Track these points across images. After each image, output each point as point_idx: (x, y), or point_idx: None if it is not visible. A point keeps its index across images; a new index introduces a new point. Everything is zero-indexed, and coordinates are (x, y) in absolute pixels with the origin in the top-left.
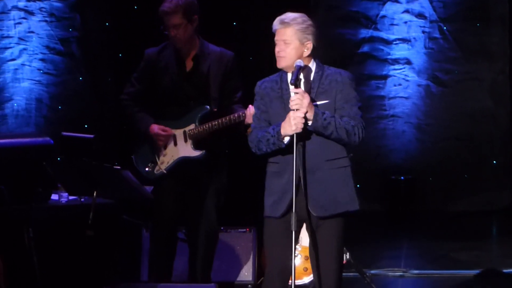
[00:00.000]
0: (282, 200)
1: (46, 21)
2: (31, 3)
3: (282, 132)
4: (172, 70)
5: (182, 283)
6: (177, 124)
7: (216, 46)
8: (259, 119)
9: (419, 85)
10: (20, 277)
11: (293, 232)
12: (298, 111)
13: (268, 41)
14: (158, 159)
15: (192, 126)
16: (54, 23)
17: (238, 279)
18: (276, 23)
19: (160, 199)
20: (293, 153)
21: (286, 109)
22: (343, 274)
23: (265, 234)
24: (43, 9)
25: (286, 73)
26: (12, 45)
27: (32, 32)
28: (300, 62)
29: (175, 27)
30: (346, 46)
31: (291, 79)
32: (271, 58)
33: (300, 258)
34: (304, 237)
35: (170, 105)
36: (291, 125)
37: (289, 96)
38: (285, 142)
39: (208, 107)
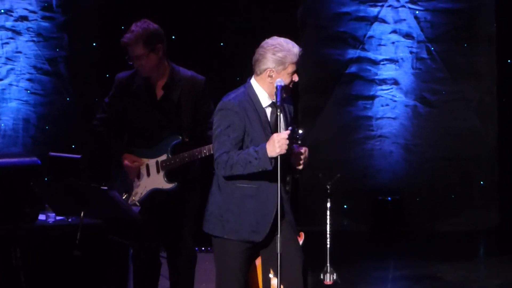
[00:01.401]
0: (262, 223)
1: (33, 41)
2: (19, 23)
3: (269, 154)
4: (142, 98)
5: None
6: (149, 153)
7: (187, 70)
8: (235, 142)
9: (406, 106)
10: None
11: (279, 255)
12: (283, 133)
13: None
14: (132, 189)
15: (164, 157)
16: (41, 43)
17: None
18: (298, 52)
19: (141, 225)
20: (270, 175)
21: (265, 132)
22: None
23: (237, 258)
24: (31, 29)
25: (252, 89)
26: None
27: (20, 52)
28: (281, 81)
29: (137, 57)
30: (334, 66)
31: (277, 100)
32: None
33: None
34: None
35: (142, 133)
36: (275, 147)
37: (266, 117)
38: (272, 164)
39: (180, 138)
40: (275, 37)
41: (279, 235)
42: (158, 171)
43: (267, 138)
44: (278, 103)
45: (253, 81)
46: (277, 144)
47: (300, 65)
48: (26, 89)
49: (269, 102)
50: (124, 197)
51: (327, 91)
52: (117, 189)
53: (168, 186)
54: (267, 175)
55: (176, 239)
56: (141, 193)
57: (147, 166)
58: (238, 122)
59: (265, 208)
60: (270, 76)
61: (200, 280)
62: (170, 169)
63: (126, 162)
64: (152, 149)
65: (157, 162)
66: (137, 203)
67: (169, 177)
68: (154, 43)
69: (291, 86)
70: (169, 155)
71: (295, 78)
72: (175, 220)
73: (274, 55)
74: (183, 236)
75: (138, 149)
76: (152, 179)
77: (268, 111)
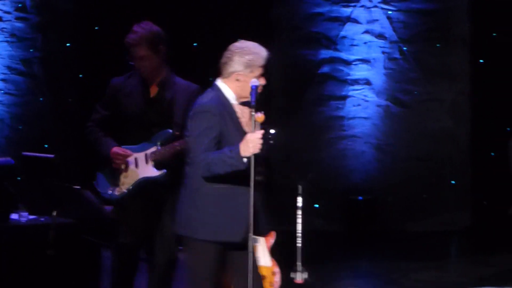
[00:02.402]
0: (239, 224)
1: (7, 41)
2: None
3: (242, 153)
4: (136, 95)
5: None
6: (139, 148)
7: (182, 80)
8: (213, 143)
9: (378, 106)
10: None
11: (251, 253)
12: (256, 133)
13: None
14: (119, 181)
15: (153, 149)
16: (15, 43)
17: None
18: (266, 56)
19: (123, 219)
20: (244, 174)
21: (239, 132)
22: None
23: (211, 260)
24: (5, 30)
25: (221, 92)
26: None
27: None
28: (256, 81)
29: (140, 58)
30: (307, 66)
31: (252, 100)
32: None
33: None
34: (262, 258)
35: (133, 130)
36: (249, 147)
37: (237, 118)
38: (245, 163)
39: (170, 130)
40: (243, 41)
41: (251, 234)
42: (146, 162)
43: (241, 138)
44: (253, 103)
45: (221, 83)
46: (250, 144)
47: (269, 68)
48: (0, 89)
49: (237, 103)
50: (111, 190)
51: (300, 91)
52: (104, 183)
53: (156, 173)
54: (240, 176)
55: (158, 235)
56: (129, 183)
57: (136, 159)
58: (216, 123)
59: (243, 208)
60: (237, 80)
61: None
62: (159, 159)
63: (114, 150)
64: (141, 145)
65: (145, 154)
66: (125, 190)
67: (157, 167)
68: (157, 44)
69: (259, 89)
70: (158, 148)
71: (263, 81)
72: (160, 215)
73: (241, 58)
74: (165, 234)
75: (128, 145)
76: (140, 170)
77: (238, 111)
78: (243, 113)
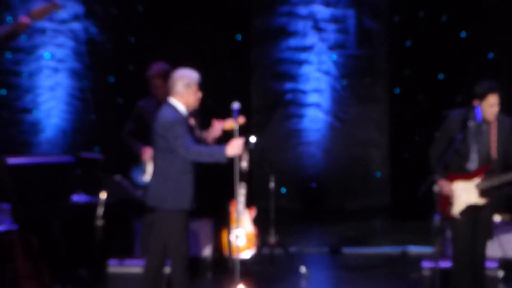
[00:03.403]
0: (190, 194)
1: (70, 77)
2: None
3: (227, 153)
4: (154, 113)
5: None
6: None
7: None
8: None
9: (326, 122)
10: (50, 253)
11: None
12: (239, 140)
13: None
14: (147, 171)
15: None
16: (74, 78)
17: (201, 254)
18: (197, 76)
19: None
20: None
21: (191, 133)
22: (277, 251)
23: (181, 226)
24: (66, 68)
25: (176, 106)
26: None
27: None
28: (237, 104)
29: (156, 87)
30: (277, 94)
31: (235, 116)
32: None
33: (243, 239)
34: (246, 226)
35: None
36: (233, 149)
37: (188, 123)
38: (225, 160)
39: None
40: (181, 69)
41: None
42: None
43: (192, 138)
44: (235, 117)
45: (173, 101)
46: (235, 147)
47: (250, 94)
48: (64, 110)
49: (186, 113)
50: (143, 177)
51: (272, 111)
52: (138, 174)
53: None
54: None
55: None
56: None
57: None
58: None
59: (191, 183)
60: (182, 97)
61: None
62: None
63: (143, 147)
64: None
65: None
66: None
67: None
68: (167, 77)
69: (197, 100)
70: None
71: (199, 94)
72: None
73: (182, 81)
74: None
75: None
76: None
77: (189, 119)
78: (190, 120)
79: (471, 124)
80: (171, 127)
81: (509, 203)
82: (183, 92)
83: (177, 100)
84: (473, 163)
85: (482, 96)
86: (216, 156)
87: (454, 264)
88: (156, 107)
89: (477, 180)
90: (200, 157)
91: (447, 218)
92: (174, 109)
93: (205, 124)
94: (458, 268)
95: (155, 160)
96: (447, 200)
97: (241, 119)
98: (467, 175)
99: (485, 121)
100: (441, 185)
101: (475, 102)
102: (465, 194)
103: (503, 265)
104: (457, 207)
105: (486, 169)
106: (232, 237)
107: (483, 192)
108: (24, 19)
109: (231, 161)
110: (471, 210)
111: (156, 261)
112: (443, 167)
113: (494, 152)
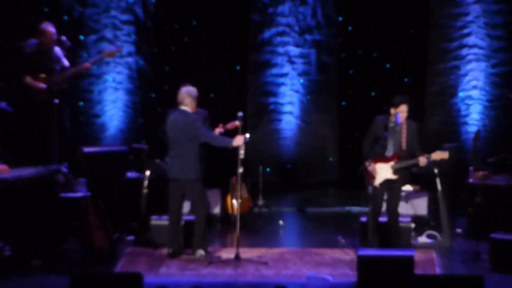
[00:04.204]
0: (203, 169)
1: (125, 92)
2: None
3: (234, 144)
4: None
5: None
6: None
7: (200, 109)
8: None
9: (296, 124)
10: (112, 211)
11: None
12: (242, 136)
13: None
14: None
15: None
16: (127, 93)
17: (212, 212)
18: (196, 92)
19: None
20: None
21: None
22: (264, 210)
23: (203, 189)
24: (122, 87)
25: (190, 112)
26: None
27: None
28: (241, 113)
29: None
30: (264, 105)
31: (239, 121)
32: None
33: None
34: (243, 193)
35: None
36: (237, 141)
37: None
38: (231, 147)
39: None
40: (185, 86)
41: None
42: None
43: None
44: (240, 122)
45: (184, 108)
46: (238, 140)
47: (246, 105)
48: (121, 115)
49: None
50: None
51: (261, 117)
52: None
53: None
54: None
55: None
56: None
57: None
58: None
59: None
60: (189, 105)
61: None
62: None
63: None
64: None
65: None
66: None
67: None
68: (195, 96)
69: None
70: None
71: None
72: None
73: (190, 96)
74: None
75: None
76: None
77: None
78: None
79: (391, 125)
80: (195, 122)
81: (416, 178)
82: (190, 103)
83: (187, 108)
84: (389, 152)
85: (396, 105)
86: (225, 143)
87: (369, 217)
88: None
89: (392, 163)
90: (215, 141)
91: (372, 187)
92: (188, 113)
93: (214, 125)
94: (372, 219)
95: (176, 147)
96: (372, 175)
97: (239, 123)
98: (385, 159)
99: (399, 124)
100: (368, 165)
101: (392, 110)
102: (383, 171)
103: (414, 219)
104: (378, 180)
105: (398, 156)
106: (234, 201)
107: (395, 171)
108: (86, 64)
109: (234, 150)
110: (387, 182)
111: (175, 216)
112: (370, 154)
113: (404, 144)
